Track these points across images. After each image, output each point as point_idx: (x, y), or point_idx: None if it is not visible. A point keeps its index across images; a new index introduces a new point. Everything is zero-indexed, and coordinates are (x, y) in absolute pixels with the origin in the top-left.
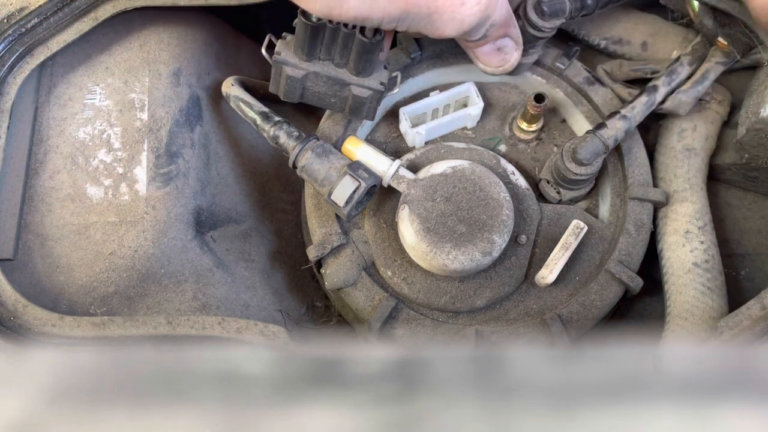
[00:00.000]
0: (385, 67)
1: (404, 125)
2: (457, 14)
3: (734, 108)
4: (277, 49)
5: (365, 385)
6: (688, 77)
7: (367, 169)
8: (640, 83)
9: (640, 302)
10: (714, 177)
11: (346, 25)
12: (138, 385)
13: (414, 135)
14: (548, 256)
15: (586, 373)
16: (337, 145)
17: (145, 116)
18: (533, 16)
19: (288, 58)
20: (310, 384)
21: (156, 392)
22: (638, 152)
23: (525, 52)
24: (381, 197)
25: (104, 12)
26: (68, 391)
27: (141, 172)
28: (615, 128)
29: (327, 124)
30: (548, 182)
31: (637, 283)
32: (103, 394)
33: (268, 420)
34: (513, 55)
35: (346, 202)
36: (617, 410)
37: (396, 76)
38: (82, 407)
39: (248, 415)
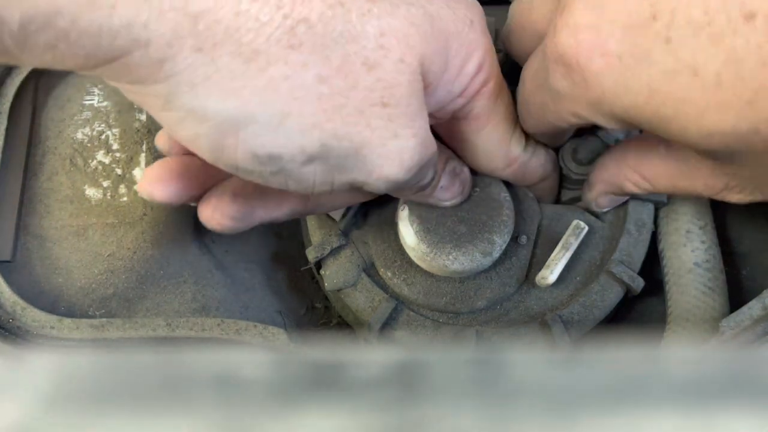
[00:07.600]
0: None
1: None
2: (392, 149)
3: None
4: None
5: (365, 390)
6: None
7: None
8: None
9: (641, 302)
10: None
11: None
12: (136, 389)
13: None
14: (549, 257)
15: (588, 376)
16: None
17: (143, 117)
18: (573, 165)
19: None
20: (309, 388)
21: (155, 396)
22: None
23: (575, 189)
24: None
25: None
26: (67, 395)
27: (140, 174)
28: None
29: None
30: None
31: (638, 283)
32: (102, 398)
33: (266, 424)
34: (465, 170)
35: (343, 215)
36: (619, 414)
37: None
38: (80, 411)
39: (247, 420)
